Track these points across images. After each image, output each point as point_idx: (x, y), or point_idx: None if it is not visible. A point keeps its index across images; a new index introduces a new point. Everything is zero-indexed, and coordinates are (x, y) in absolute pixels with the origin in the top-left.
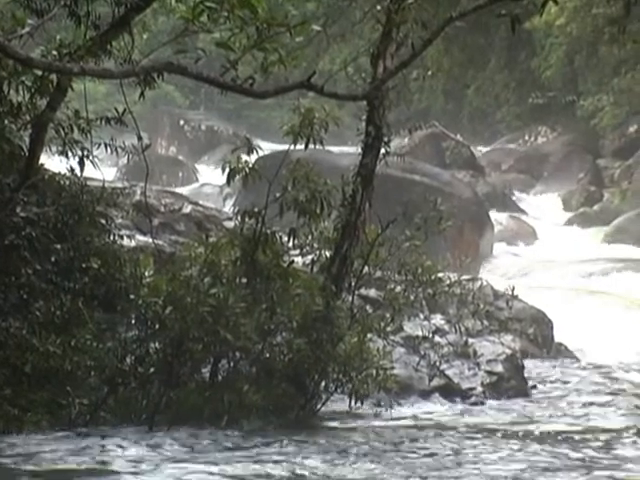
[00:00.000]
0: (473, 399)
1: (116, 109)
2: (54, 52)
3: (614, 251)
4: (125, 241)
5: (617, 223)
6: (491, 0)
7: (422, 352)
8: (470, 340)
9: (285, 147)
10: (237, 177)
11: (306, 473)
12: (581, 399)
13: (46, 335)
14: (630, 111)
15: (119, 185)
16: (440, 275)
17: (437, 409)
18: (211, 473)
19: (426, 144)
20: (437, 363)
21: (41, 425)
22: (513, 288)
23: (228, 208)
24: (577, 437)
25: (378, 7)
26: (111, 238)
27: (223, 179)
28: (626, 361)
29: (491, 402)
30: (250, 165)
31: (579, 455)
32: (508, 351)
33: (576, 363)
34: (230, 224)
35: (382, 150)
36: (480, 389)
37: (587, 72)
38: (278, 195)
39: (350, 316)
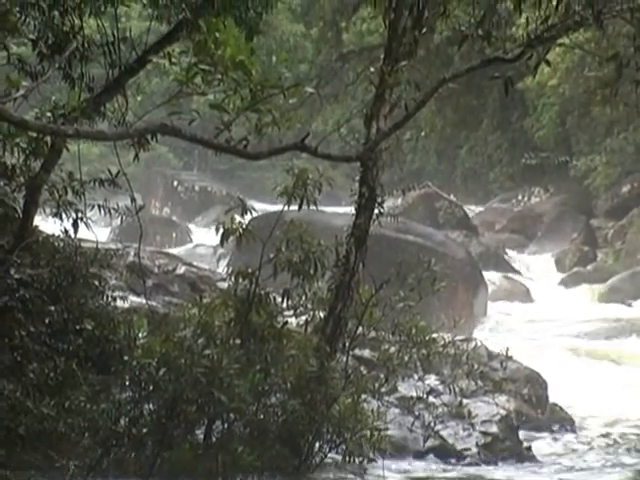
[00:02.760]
0: (468, 460)
1: (110, 171)
2: (48, 114)
3: (608, 311)
4: (119, 302)
5: (611, 283)
6: (484, 62)
7: (416, 413)
8: (464, 401)
9: (279, 208)
10: (231, 238)
11: None
12: (576, 461)
13: (40, 397)
14: (623, 171)
15: (113, 246)
16: (434, 336)
17: (431, 469)
18: None
19: (419, 204)
20: (431, 424)
21: None
22: (507, 349)
23: (222, 269)
24: None
25: (371, 69)
26: (105, 299)
27: (217, 240)
28: (622, 421)
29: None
30: (244, 226)
31: None
32: (502, 412)
33: (571, 424)
34: (224, 285)
35: (376, 210)
36: (475, 450)
37: (580, 132)
38: (272, 256)
39: (344, 377)
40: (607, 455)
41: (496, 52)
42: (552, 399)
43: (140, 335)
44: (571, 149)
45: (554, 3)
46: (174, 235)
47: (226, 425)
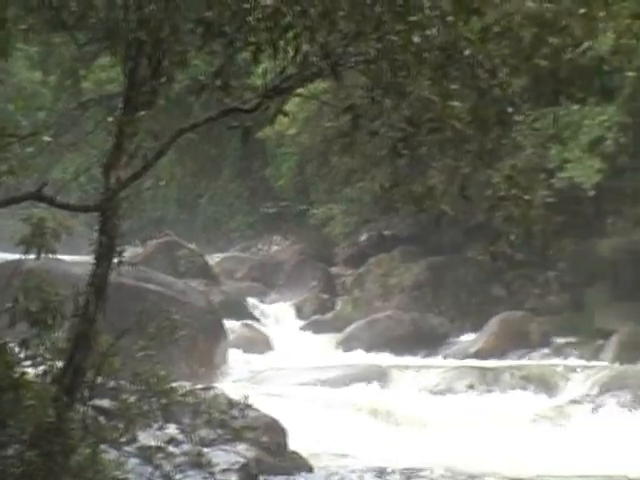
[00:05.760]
0: None
1: None
2: None
3: (347, 359)
4: None
5: (350, 331)
6: (222, 112)
7: (156, 462)
8: (204, 449)
9: (17, 256)
10: None
11: None
12: None
13: None
14: (360, 220)
15: None
16: (174, 385)
17: None
18: None
19: (160, 253)
20: (171, 473)
21: None
22: (246, 397)
23: None
24: None
25: (110, 118)
26: None
27: None
28: (359, 467)
29: None
30: None
31: None
32: (242, 460)
33: (309, 470)
34: None
35: (115, 259)
36: None
37: (319, 181)
38: (9, 305)
39: (83, 427)
40: None
41: (235, 102)
42: (292, 446)
43: None
44: (310, 197)
45: (291, 54)
46: None
47: None
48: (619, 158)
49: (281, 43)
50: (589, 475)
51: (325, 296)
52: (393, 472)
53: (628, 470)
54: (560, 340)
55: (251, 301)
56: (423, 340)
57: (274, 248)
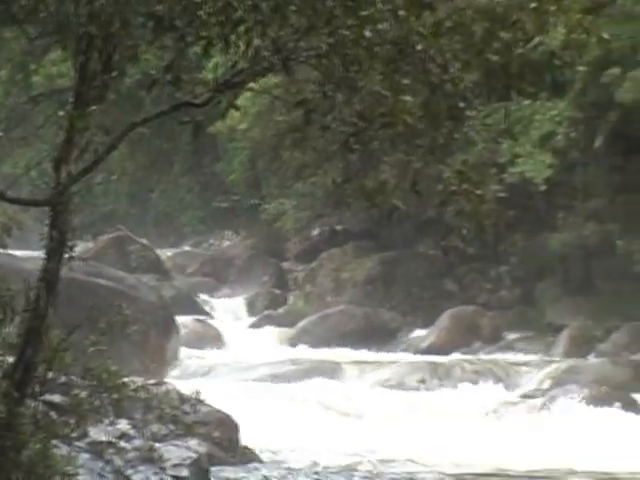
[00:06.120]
0: None
1: None
2: None
3: (298, 354)
4: None
5: (302, 326)
6: (173, 107)
7: (107, 458)
8: (156, 445)
9: None
10: None
11: None
12: None
13: None
14: (312, 215)
15: None
16: (126, 380)
17: None
18: None
19: (111, 247)
20: (122, 469)
21: None
22: (198, 392)
23: None
24: None
25: (60, 112)
26: None
27: None
28: (311, 461)
29: None
30: None
31: None
32: (194, 455)
33: (260, 465)
34: None
35: (66, 254)
36: None
37: (270, 176)
38: None
39: (34, 422)
40: None
41: (186, 96)
42: (243, 441)
43: None
44: (262, 192)
45: (242, 49)
46: None
47: None
48: (570, 153)
49: (232, 37)
50: (539, 469)
51: (277, 291)
52: (345, 467)
53: (577, 464)
54: (511, 335)
55: (202, 296)
56: (375, 335)
57: (225, 243)
